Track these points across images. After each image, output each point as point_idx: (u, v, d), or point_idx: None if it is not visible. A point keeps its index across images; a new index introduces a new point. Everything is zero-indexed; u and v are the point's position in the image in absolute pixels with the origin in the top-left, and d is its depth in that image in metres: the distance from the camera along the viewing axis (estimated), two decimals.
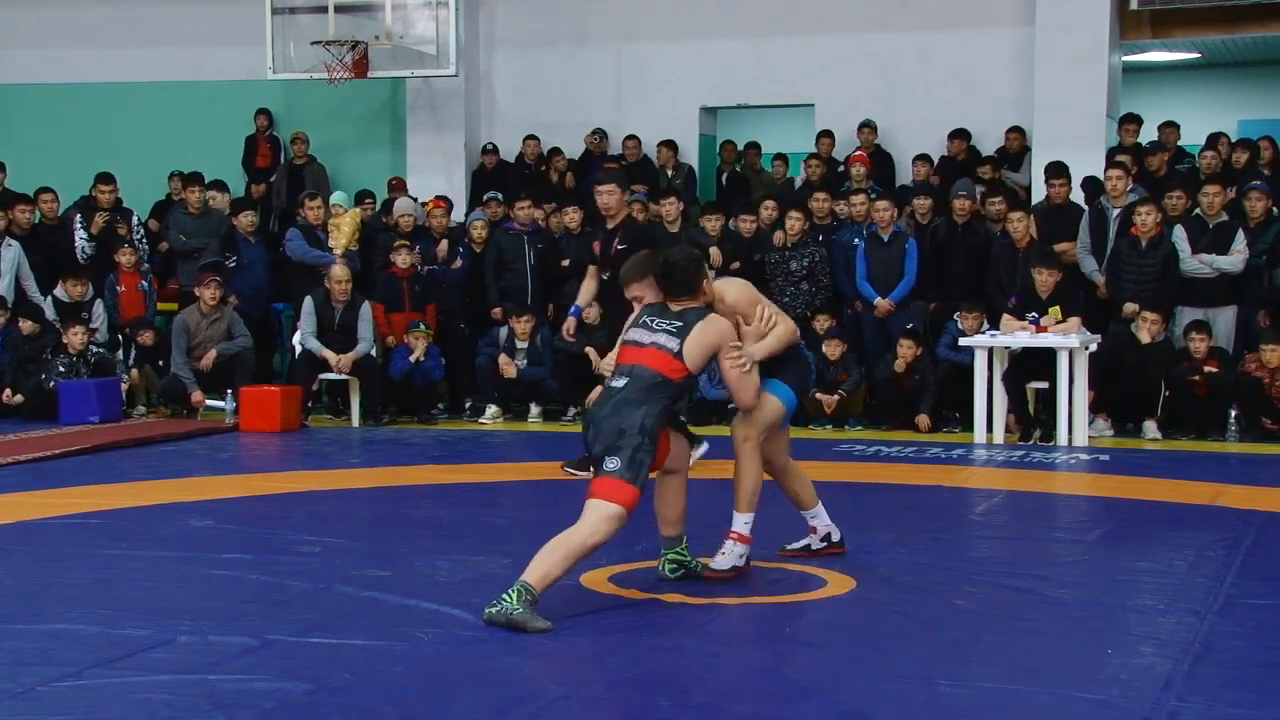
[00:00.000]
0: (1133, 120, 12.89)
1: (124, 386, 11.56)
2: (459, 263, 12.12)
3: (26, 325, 11.60)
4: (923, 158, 12.87)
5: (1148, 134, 13.12)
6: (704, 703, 4.13)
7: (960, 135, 13.09)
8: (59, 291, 12.00)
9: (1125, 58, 14.33)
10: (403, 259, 11.74)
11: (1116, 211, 10.95)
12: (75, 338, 11.35)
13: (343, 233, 12.16)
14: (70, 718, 3.90)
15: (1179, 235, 10.66)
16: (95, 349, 11.57)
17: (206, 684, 4.15)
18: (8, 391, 11.39)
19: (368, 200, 13.22)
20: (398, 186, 13.80)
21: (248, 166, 14.82)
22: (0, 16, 15.67)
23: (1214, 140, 12.61)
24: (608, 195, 8.32)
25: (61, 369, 11.27)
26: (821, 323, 11.27)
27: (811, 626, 4.95)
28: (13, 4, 15.61)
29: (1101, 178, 11.50)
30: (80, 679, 4.22)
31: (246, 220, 12.29)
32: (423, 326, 11.50)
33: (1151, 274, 10.54)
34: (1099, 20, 12.79)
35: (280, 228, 13.85)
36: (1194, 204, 10.97)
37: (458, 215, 13.54)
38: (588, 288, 8.64)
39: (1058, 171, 11.53)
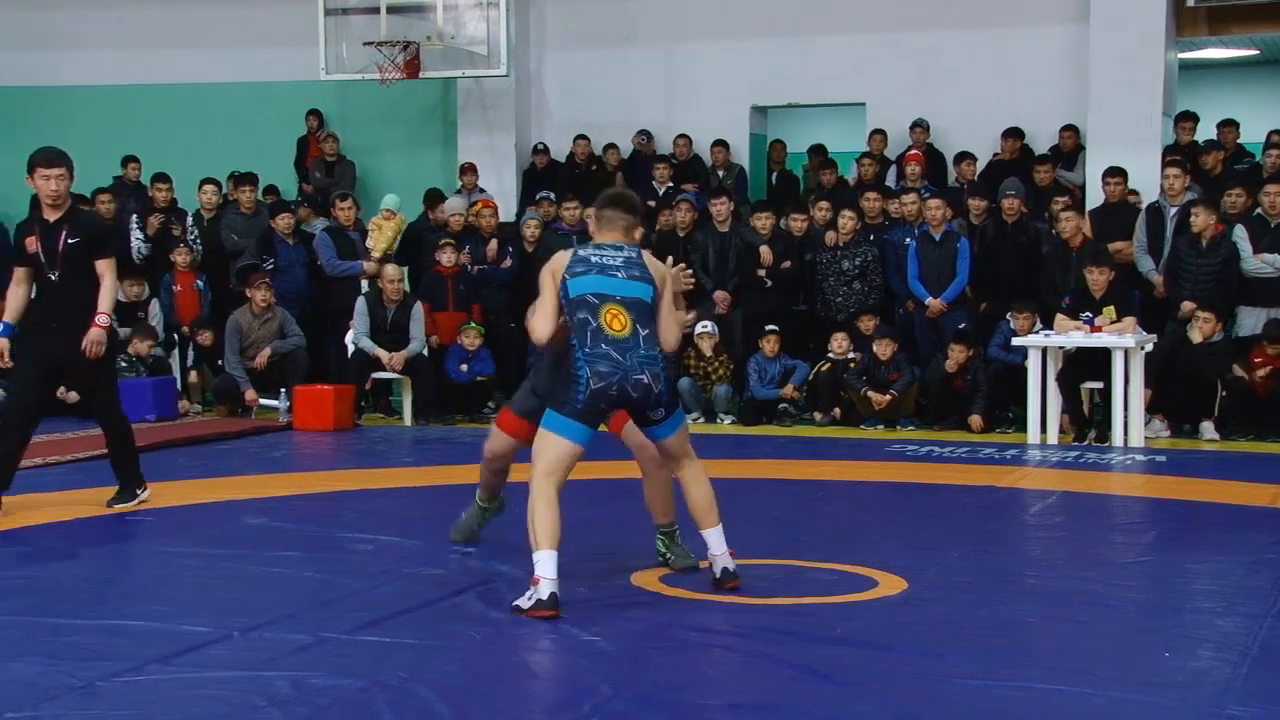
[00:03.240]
0: (1189, 118, 12.75)
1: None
2: (508, 262, 12.16)
3: None
4: (966, 156, 12.78)
5: (1205, 132, 12.97)
6: (755, 703, 4.11)
7: (1014, 134, 12.98)
8: None
9: (1181, 55, 14.17)
10: (447, 258, 11.80)
11: (1174, 210, 10.84)
12: (142, 345, 11.47)
13: (384, 235, 12.21)
14: (130, 713, 3.94)
15: (1240, 235, 10.54)
16: (153, 350, 11.71)
17: (261, 680, 4.18)
18: (62, 389, 11.51)
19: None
20: (469, 171, 13.82)
21: (299, 167, 14.93)
22: (54, 20, 15.86)
23: (1273, 138, 12.45)
24: (57, 181, 6.90)
25: (122, 365, 11.40)
26: (866, 323, 11.22)
27: (863, 627, 4.92)
28: (67, 7, 15.79)
29: (1158, 178, 11.40)
30: (139, 674, 4.26)
31: (284, 222, 12.35)
32: (472, 324, 11.57)
33: (1211, 274, 10.42)
34: (1154, 17, 12.65)
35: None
36: (1255, 203, 10.83)
37: (508, 215, 13.59)
38: (18, 296, 7.11)
39: (1119, 170, 11.43)
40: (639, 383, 5.17)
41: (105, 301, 7.02)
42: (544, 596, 4.91)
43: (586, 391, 5.12)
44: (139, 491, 7.33)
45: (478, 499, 6.30)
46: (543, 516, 5.06)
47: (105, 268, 7.04)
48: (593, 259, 5.29)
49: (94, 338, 6.97)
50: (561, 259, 5.34)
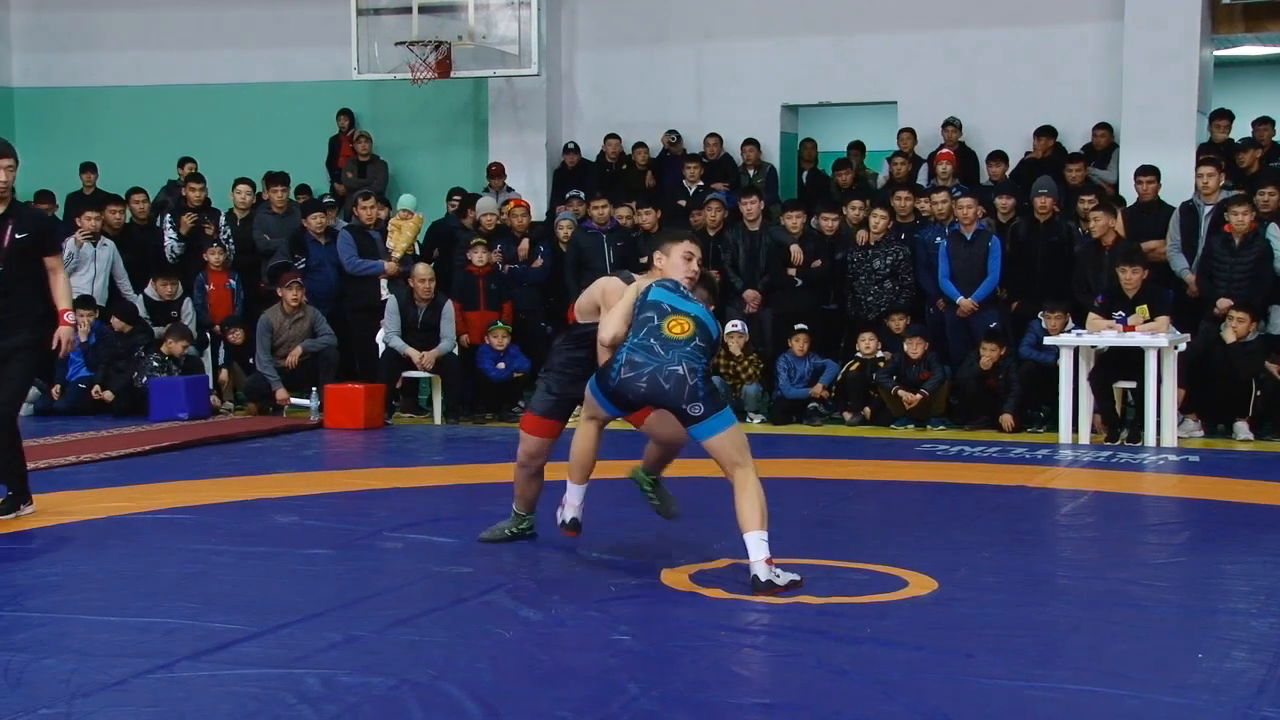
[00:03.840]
0: (1224, 116, 12.65)
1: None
2: (540, 261, 12.18)
3: (118, 323, 11.84)
4: (998, 155, 12.70)
5: (1243, 129, 12.86)
6: (785, 702, 4.11)
7: (1047, 133, 12.91)
8: (149, 290, 12.23)
9: (1217, 52, 14.06)
10: (479, 257, 11.83)
11: (1208, 209, 10.75)
12: (176, 345, 11.54)
13: (404, 236, 12.22)
14: (161, 709, 3.96)
15: (1273, 233, 10.45)
16: (186, 350, 11.79)
17: (292, 678, 4.20)
18: (95, 388, 11.61)
19: (456, 196, 13.23)
20: (496, 173, 13.85)
21: (331, 167, 14.99)
22: (91, 20, 15.99)
23: None
24: (6, 171, 6.63)
25: (155, 364, 11.48)
26: (897, 322, 11.19)
27: (894, 627, 4.91)
28: (103, 8, 15.92)
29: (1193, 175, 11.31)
30: (171, 671, 4.29)
31: (316, 222, 12.39)
32: (501, 324, 11.59)
33: (1245, 272, 10.34)
34: (1190, 14, 12.57)
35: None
36: None
37: (539, 214, 13.60)
38: None
39: (1152, 169, 11.35)
40: (673, 373, 5.42)
41: (65, 298, 6.92)
42: (566, 520, 5.97)
43: (617, 379, 5.52)
44: (23, 506, 6.90)
45: (514, 509, 6.38)
46: (578, 453, 5.86)
47: (56, 264, 6.91)
48: (680, 289, 5.70)
49: (65, 335, 6.88)
50: (647, 283, 5.75)
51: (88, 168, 14.35)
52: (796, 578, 5.39)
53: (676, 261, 5.80)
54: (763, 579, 5.30)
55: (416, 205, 12.86)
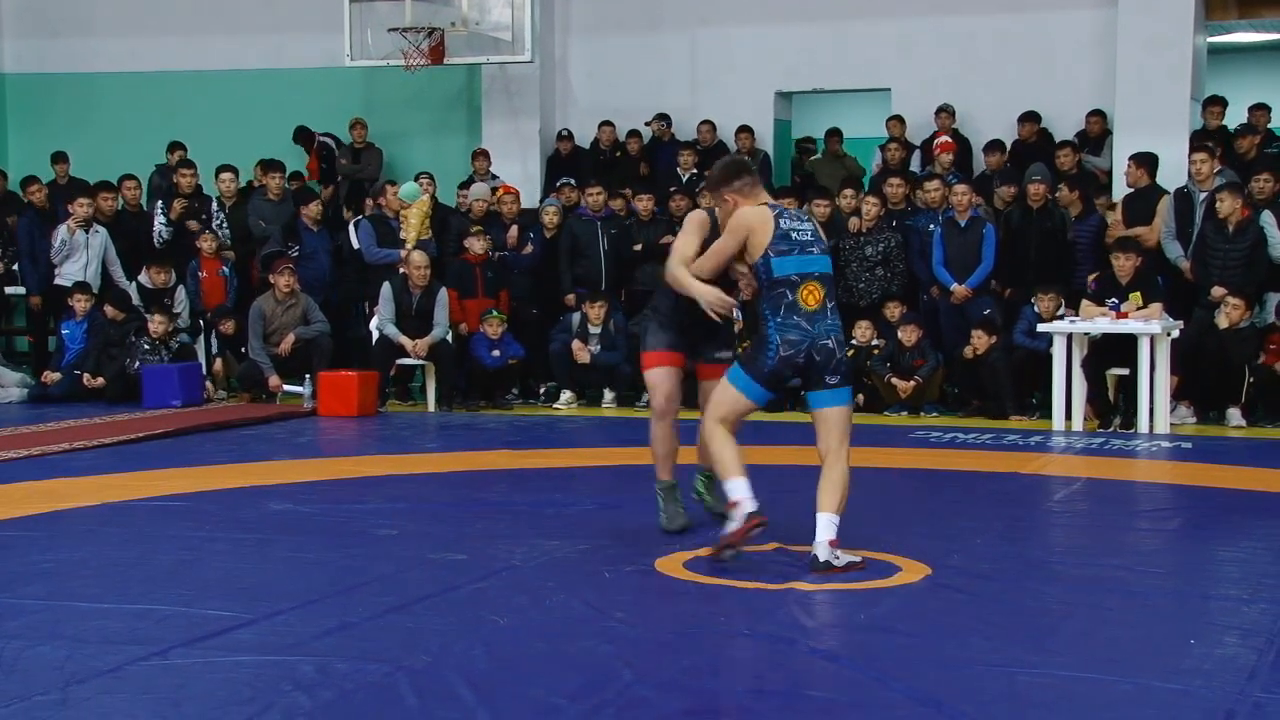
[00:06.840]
0: (1217, 103, 12.65)
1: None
2: (530, 248, 12.17)
3: (112, 310, 11.83)
4: (996, 145, 12.68)
5: (1236, 116, 12.87)
6: (778, 689, 4.12)
7: (1030, 118, 12.89)
8: (142, 278, 12.21)
9: (1211, 39, 14.06)
10: (476, 245, 11.82)
11: (1203, 195, 10.76)
12: (158, 326, 11.52)
13: (411, 224, 12.23)
14: (156, 696, 3.96)
15: (1267, 220, 10.46)
16: (178, 335, 11.77)
17: (287, 664, 4.21)
18: (87, 376, 11.60)
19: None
20: (481, 155, 13.83)
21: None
22: (84, 6, 15.92)
23: None
24: None
25: (146, 347, 11.46)
26: (892, 310, 11.19)
27: (887, 613, 4.92)
28: None
29: (1187, 162, 11.32)
30: (166, 658, 4.29)
31: (312, 209, 12.37)
32: (495, 313, 11.58)
33: (1239, 259, 10.36)
34: (1183, 1, 12.55)
35: (339, 213, 13.99)
36: None
37: (533, 201, 13.58)
38: None
39: (1140, 156, 11.35)
40: (824, 347, 5.57)
41: None
42: (750, 510, 5.41)
43: (776, 358, 5.56)
44: None
45: (664, 481, 6.25)
46: (724, 450, 5.58)
47: None
48: (793, 236, 5.61)
49: None
50: (764, 229, 5.56)
51: (60, 157, 14.29)
52: (857, 560, 5.46)
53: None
54: (821, 559, 5.40)
55: (419, 188, 12.80)
